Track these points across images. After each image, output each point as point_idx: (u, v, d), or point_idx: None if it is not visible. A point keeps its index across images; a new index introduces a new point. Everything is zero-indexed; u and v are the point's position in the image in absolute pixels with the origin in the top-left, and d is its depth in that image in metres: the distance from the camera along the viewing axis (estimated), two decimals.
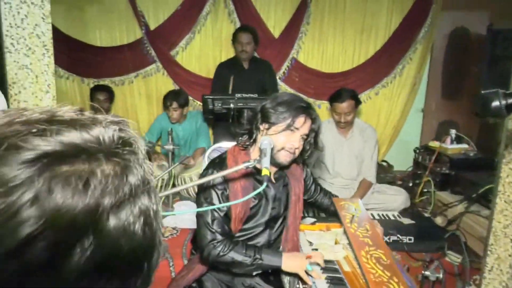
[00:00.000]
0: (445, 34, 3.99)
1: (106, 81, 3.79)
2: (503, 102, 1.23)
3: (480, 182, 2.71)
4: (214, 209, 1.48)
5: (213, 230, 1.48)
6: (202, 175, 1.59)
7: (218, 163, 1.56)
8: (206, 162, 2.01)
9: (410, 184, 3.34)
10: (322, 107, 3.95)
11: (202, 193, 1.52)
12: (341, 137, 3.05)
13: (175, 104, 3.38)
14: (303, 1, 3.79)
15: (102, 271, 0.35)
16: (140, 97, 3.93)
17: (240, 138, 1.57)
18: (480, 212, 2.57)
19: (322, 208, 2.03)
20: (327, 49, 3.96)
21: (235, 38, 3.41)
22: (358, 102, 2.96)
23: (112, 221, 0.35)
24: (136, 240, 0.37)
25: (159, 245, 0.42)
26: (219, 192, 1.49)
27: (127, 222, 0.37)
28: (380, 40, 3.94)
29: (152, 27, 3.76)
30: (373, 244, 1.73)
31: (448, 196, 2.97)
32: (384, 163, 3.98)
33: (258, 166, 1.44)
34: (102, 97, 3.53)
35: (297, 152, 1.49)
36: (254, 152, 1.54)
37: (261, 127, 1.49)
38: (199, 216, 1.51)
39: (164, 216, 2.98)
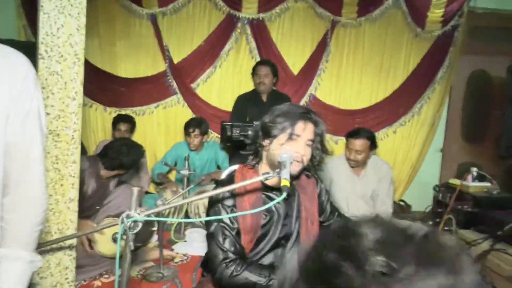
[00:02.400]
0: (464, 76, 4.05)
1: (127, 111, 3.90)
2: None
3: (506, 220, 2.62)
4: (225, 228, 1.44)
5: (225, 249, 1.43)
6: (211, 196, 1.56)
7: (227, 181, 1.54)
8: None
9: (431, 223, 3.22)
10: (339, 143, 3.94)
11: (211, 211, 1.49)
12: (353, 175, 2.99)
13: (197, 131, 3.45)
14: (323, 40, 3.92)
15: None
16: (159, 127, 4.02)
17: (247, 158, 1.55)
18: (507, 251, 2.45)
19: None
20: (345, 87, 4.03)
21: (254, 71, 3.53)
22: (373, 144, 2.93)
23: None
24: None
25: None
26: (229, 210, 1.45)
27: None
28: (398, 79, 4.00)
29: (176, 60, 3.91)
30: None
31: (471, 234, 2.85)
32: (402, 203, 3.90)
33: (271, 180, 1.43)
34: (124, 127, 3.62)
35: (305, 159, 1.45)
36: (261, 169, 1.52)
37: (264, 143, 1.47)
38: (210, 236, 1.47)
39: (175, 242, 2.95)
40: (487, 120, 3.97)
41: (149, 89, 3.93)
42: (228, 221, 1.44)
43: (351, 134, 2.89)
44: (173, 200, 2.81)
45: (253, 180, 1.39)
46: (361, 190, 3.00)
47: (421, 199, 3.82)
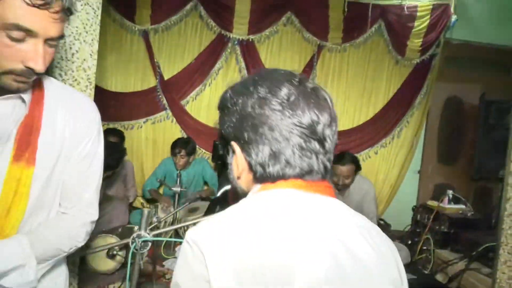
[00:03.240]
0: (440, 102, 4.28)
1: (116, 125, 3.93)
2: None
3: (479, 240, 2.80)
4: None
5: None
6: (207, 213, 1.62)
7: (222, 199, 1.61)
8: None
9: (409, 242, 3.39)
10: None
11: None
12: (338, 195, 3.13)
13: (183, 152, 3.52)
14: (309, 63, 4.09)
15: None
16: (147, 142, 4.06)
17: None
18: (480, 270, 2.63)
19: None
20: None
21: None
22: (358, 167, 3.11)
23: None
24: None
25: None
26: None
27: None
28: (379, 103, 4.20)
29: (166, 77, 3.99)
30: None
31: (448, 254, 3.03)
32: (382, 222, 4.05)
33: None
34: (114, 140, 3.62)
35: None
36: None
37: None
38: None
39: (165, 259, 2.98)
40: (460, 143, 4.19)
41: (139, 104, 3.98)
42: None
43: (337, 160, 3.00)
44: (168, 217, 2.88)
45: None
46: None
47: (399, 218, 3.96)
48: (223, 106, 0.80)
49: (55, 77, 1.71)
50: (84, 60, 1.73)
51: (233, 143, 0.76)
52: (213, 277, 0.64)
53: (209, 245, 0.65)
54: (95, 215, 1.09)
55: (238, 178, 0.78)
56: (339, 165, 2.99)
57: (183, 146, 3.54)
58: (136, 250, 1.54)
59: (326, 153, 0.75)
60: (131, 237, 1.55)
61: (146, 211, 1.60)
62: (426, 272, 3.03)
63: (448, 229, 3.14)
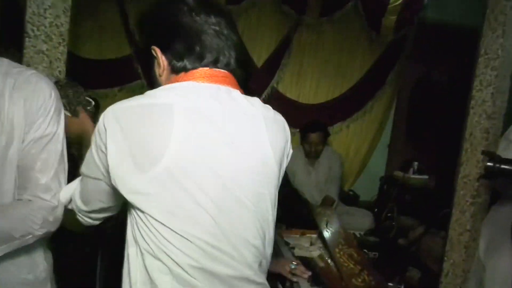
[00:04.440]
0: (410, 81, 4.39)
1: (89, 93, 3.84)
2: (497, 165, 1.34)
3: (438, 208, 2.98)
4: None
5: None
6: None
7: None
8: None
9: (376, 210, 3.56)
10: (296, 135, 4.05)
11: None
12: (308, 166, 3.31)
13: None
14: (286, 37, 4.11)
15: None
16: None
17: None
18: (438, 234, 2.82)
19: (300, 215, 2.21)
20: (305, 82, 4.25)
21: None
22: (327, 134, 3.26)
23: None
24: None
25: None
26: None
27: None
28: (353, 79, 4.28)
29: (142, 45, 3.92)
30: (346, 243, 1.92)
31: (410, 221, 3.22)
32: (351, 193, 4.22)
33: None
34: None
35: None
36: None
37: None
38: None
39: None
40: (428, 121, 4.31)
41: (113, 72, 3.92)
42: None
43: (308, 129, 3.17)
44: None
45: None
46: (315, 179, 3.32)
47: (368, 190, 4.11)
48: (141, 21, 1.01)
49: (27, 32, 1.70)
50: (57, 16, 1.72)
51: (154, 47, 0.93)
52: (108, 141, 0.84)
53: (111, 117, 0.85)
54: (54, 202, 1.02)
55: (160, 76, 0.95)
56: (310, 132, 3.12)
57: None
58: None
59: (230, 47, 0.93)
60: None
61: None
62: (389, 236, 3.20)
63: (411, 198, 3.33)
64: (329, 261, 1.88)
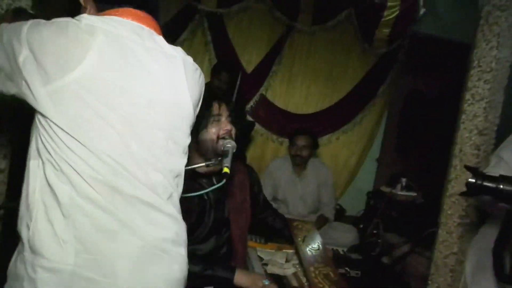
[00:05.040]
0: (402, 94, 4.33)
1: None
2: (479, 182, 1.25)
3: (424, 226, 2.86)
4: None
5: None
6: None
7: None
8: None
9: (361, 226, 3.44)
10: (283, 144, 4.08)
11: None
12: (294, 176, 3.18)
13: None
14: (278, 43, 4.01)
15: None
16: None
17: None
18: (423, 253, 2.68)
19: (275, 230, 2.04)
20: (295, 91, 4.16)
21: (215, 73, 3.47)
22: (315, 143, 3.15)
23: None
24: None
25: None
26: None
27: None
28: (344, 89, 4.20)
29: None
30: (322, 262, 1.78)
31: (395, 238, 3.09)
32: (338, 207, 4.08)
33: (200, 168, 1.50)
34: None
35: (233, 134, 1.52)
36: (193, 161, 1.51)
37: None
38: None
39: None
40: (418, 136, 4.25)
41: None
42: None
43: (296, 132, 3.09)
44: None
45: (195, 166, 1.43)
46: (301, 191, 3.18)
47: (355, 204, 4.01)
48: None
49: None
50: None
51: None
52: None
53: (35, 28, 0.88)
54: None
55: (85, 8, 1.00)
56: (297, 135, 3.04)
57: None
58: None
59: None
60: None
61: None
62: (373, 254, 3.06)
63: (397, 214, 3.21)
64: (303, 280, 1.73)
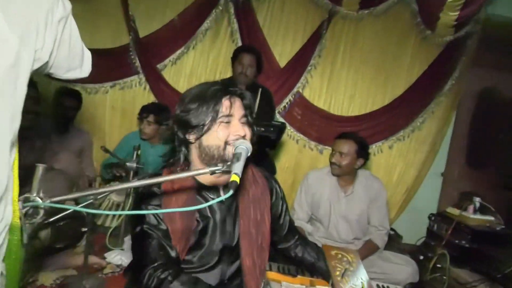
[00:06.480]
0: (474, 91, 4.07)
1: (76, 86, 3.72)
2: None
3: (507, 260, 2.56)
4: (150, 229, 1.36)
5: (151, 254, 1.34)
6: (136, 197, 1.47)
7: (153, 175, 1.51)
8: None
9: (421, 257, 3.19)
10: (324, 153, 3.90)
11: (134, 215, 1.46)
12: (339, 191, 2.93)
13: (151, 117, 3.26)
14: (317, 31, 3.85)
15: None
16: (113, 112, 3.88)
17: (171, 163, 1.47)
18: None
19: (304, 264, 1.82)
20: (338, 88, 3.99)
21: (236, 57, 3.35)
22: (363, 151, 2.84)
23: None
24: None
25: None
26: (151, 207, 1.37)
27: None
28: (400, 86, 3.99)
29: (142, 34, 3.79)
30: None
31: (466, 275, 2.83)
32: (392, 232, 3.83)
33: (204, 178, 1.41)
34: (69, 103, 3.43)
35: (247, 139, 1.38)
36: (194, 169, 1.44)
37: (190, 138, 1.38)
38: (134, 239, 1.42)
39: (110, 249, 2.75)
40: (495, 144, 4.00)
41: (107, 64, 3.76)
42: (154, 221, 1.36)
43: (337, 136, 2.86)
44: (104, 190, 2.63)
45: (195, 173, 1.25)
46: (345, 210, 2.92)
47: (414, 229, 3.81)
48: None
49: None
50: None
51: None
52: None
53: None
54: None
55: None
56: (338, 139, 2.82)
57: (153, 110, 3.29)
58: (21, 218, 1.29)
59: None
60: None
61: (40, 167, 1.33)
62: None
63: (469, 244, 2.95)
64: None
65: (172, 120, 1.43)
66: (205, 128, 1.34)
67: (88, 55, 1.28)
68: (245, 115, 1.40)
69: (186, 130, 1.37)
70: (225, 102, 1.36)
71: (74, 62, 1.18)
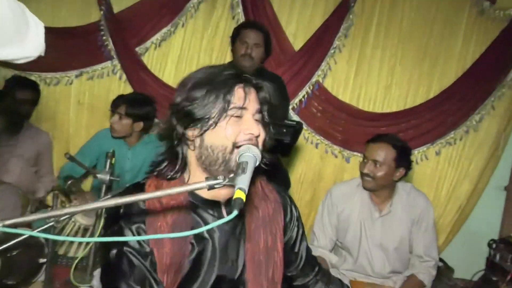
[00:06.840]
0: None
1: (33, 76, 3.80)
2: None
3: None
4: (131, 253, 1.38)
5: (131, 285, 1.36)
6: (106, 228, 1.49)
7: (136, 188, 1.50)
8: None
9: None
10: (351, 161, 3.91)
11: (109, 232, 1.44)
12: (373, 211, 2.93)
13: (122, 109, 3.21)
14: (342, 4, 3.87)
15: None
16: (79, 107, 3.95)
17: (161, 168, 1.48)
18: None
19: None
20: (370, 78, 4.01)
21: (236, 36, 3.33)
22: (404, 160, 2.85)
23: None
24: None
25: None
26: (133, 227, 1.38)
27: None
28: (450, 75, 4.00)
29: (116, 9, 3.86)
30: None
31: None
32: (441, 264, 3.79)
33: (205, 191, 1.40)
34: (23, 96, 3.45)
35: (260, 141, 1.40)
36: (192, 178, 1.47)
37: (188, 135, 1.40)
38: (107, 268, 1.44)
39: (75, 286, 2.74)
40: None
41: (71, 48, 3.87)
42: (136, 244, 1.38)
43: (371, 138, 2.86)
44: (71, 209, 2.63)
45: (190, 187, 1.22)
46: (381, 234, 2.93)
47: (469, 260, 3.88)
48: None
49: None
50: None
51: None
52: None
53: None
54: None
55: None
56: (371, 143, 2.83)
57: (126, 101, 3.24)
58: None
59: None
60: None
61: None
62: None
63: None
64: None
65: (171, 111, 1.43)
66: (211, 121, 1.35)
67: (36, 23, 1.24)
68: (260, 111, 1.42)
69: (187, 124, 1.38)
70: (239, 91, 1.38)
71: (5, 32, 1.12)
